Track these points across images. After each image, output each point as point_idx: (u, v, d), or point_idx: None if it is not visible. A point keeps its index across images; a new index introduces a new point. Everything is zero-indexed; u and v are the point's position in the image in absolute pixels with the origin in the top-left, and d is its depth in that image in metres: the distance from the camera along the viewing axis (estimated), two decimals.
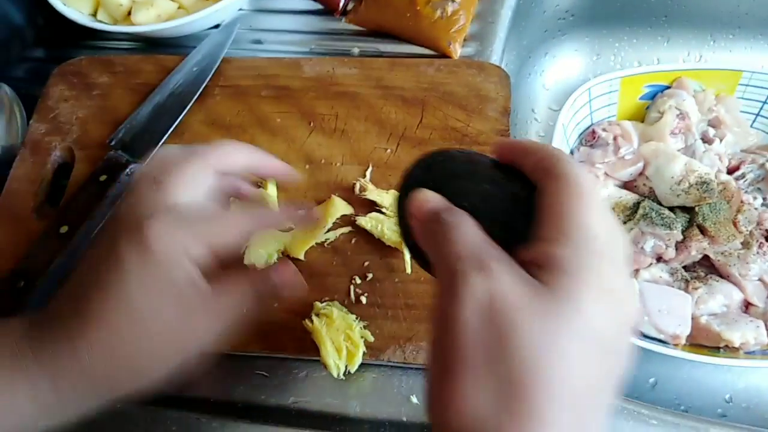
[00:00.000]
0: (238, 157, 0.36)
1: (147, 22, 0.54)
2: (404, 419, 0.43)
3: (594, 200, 0.26)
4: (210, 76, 0.53)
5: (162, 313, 0.31)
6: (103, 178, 0.48)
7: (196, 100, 0.52)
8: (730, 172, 0.60)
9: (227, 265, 0.33)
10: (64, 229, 0.46)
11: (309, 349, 0.43)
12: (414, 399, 0.43)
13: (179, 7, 0.56)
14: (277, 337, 0.44)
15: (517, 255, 0.26)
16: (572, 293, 0.24)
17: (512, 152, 0.29)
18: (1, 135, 0.55)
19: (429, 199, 0.28)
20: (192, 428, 0.43)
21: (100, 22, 0.56)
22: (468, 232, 0.27)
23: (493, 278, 0.25)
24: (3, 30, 0.56)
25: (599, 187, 0.23)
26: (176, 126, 0.51)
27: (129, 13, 0.55)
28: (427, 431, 0.41)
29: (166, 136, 0.51)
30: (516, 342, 0.24)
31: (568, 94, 0.61)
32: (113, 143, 0.50)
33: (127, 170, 0.48)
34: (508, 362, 0.24)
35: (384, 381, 0.43)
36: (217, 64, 0.54)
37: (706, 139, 0.61)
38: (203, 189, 0.34)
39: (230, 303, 0.33)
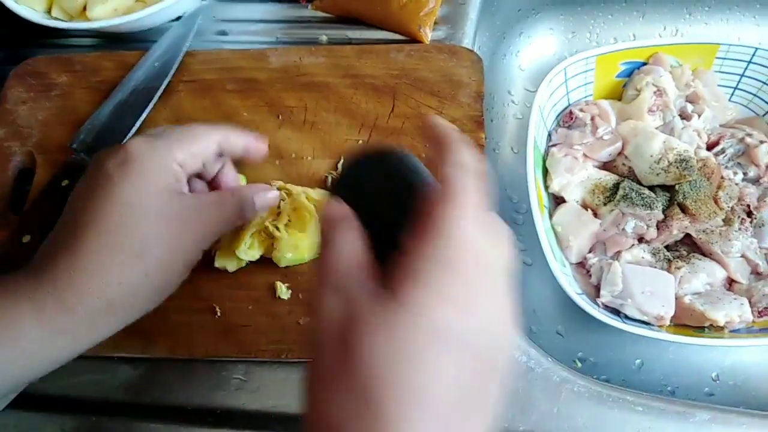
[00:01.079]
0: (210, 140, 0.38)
1: (104, 16, 0.52)
2: None
3: (460, 208, 0.26)
4: (173, 70, 0.51)
5: (152, 221, 0.34)
6: (65, 182, 0.46)
7: (159, 96, 0.51)
8: (709, 147, 0.59)
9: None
10: (26, 238, 0.44)
11: (288, 352, 0.42)
12: None
13: (137, 0, 0.53)
14: (253, 340, 0.43)
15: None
16: (413, 299, 0.24)
17: (432, 146, 0.30)
18: None
19: (331, 210, 0.29)
20: None
21: (56, 19, 0.54)
22: (340, 247, 0.28)
23: (344, 293, 0.26)
24: None
25: (475, 194, 0.24)
26: (140, 124, 0.50)
27: (84, 9, 0.53)
28: None
29: (130, 135, 0.49)
30: (361, 353, 0.24)
31: (544, 74, 0.60)
32: (75, 146, 0.48)
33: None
34: (357, 373, 0.24)
35: None
36: (180, 58, 0.52)
37: (684, 116, 0.60)
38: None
39: (213, 210, 0.37)
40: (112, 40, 0.56)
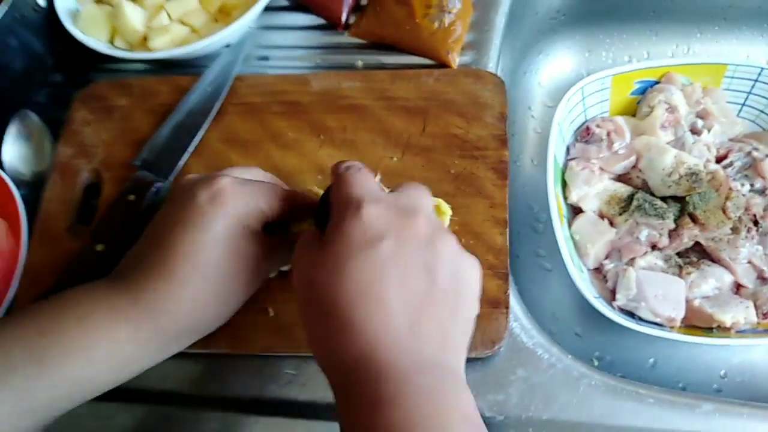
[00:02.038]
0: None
1: (162, 47, 0.57)
2: None
3: (344, 183, 0.37)
4: (224, 94, 0.56)
5: (236, 259, 0.39)
6: (131, 197, 0.51)
7: (212, 118, 0.56)
8: (718, 160, 0.63)
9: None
10: (100, 247, 0.50)
11: None
12: None
13: (192, 31, 0.59)
14: (302, 338, 0.47)
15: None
16: (334, 235, 0.35)
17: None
18: (32, 161, 0.59)
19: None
20: (230, 425, 0.47)
21: (118, 48, 0.60)
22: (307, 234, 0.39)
23: (301, 251, 0.37)
24: (25, 59, 0.59)
25: (359, 176, 0.38)
26: (196, 144, 0.55)
27: (144, 39, 0.59)
28: None
29: (187, 154, 0.54)
30: (314, 286, 0.35)
31: (562, 90, 0.64)
32: (138, 163, 0.54)
33: (153, 188, 0.52)
34: (315, 302, 0.35)
35: None
36: (230, 82, 0.57)
37: (694, 131, 0.64)
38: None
39: (281, 251, 0.43)
40: (166, 65, 0.61)
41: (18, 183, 0.56)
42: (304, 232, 0.40)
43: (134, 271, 0.39)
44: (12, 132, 0.59)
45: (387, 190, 0.40)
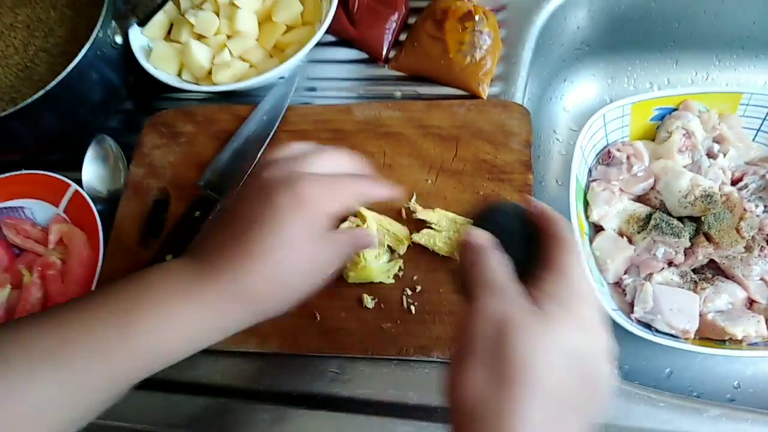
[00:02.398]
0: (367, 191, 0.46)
1: (225, 81, 0.65)
2: None
3: (577, 258, 0.37)
4: (278, 122, 0.63)
5: (306, 248, 0.41)
6: (197, 213, 0.58)
7: (267, 144, 0.62)
8: (734, 183, 0.67)
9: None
10: (169, 257, 0.57)
11: (373, 350, 0.53)
12: None
13: (251, 66, 0.66)
14: (345, 340, 0.54)
15: (525, 285, 0.36)
16: (557, 317, 0.34)
17: (535, 213, 0.40)
18: (109, 180, 0.66)
19: (479, 236, 0.39)
20: (280, 417, 0.53)
21: (186, 81, 0.67)
22: (493, 265, 0.38)
23: (502, 300, 0.36)
24: (103, 90, 0.67)
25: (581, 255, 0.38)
26: (253, 167, 0.62)
27: (209, 73, 0.66)
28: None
29: (246, 176, 0.61)
30: (511, 345, 0.33)
31: (586, 115, 0.68)
32: (203, 184, 0.61)
33: (217, 207, 0.59)
34: (503, 359, 0.33)
35: (435, 374, 0.53)
36: (283, 112, 0.64)
37: (711, 155, 0.68)
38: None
39: (344, 248, 0.44)
40: (226, 94, 0.68)
41: (95, 200, 0.64)
42: (492, 261, 0.38)
43: (214, 258, 0.41)
44: (91, 154, 0.67)
45: None
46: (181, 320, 0.40)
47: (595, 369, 0.35)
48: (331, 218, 0.42)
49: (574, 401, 0.34)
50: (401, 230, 0.56)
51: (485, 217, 0.41)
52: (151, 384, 0.56)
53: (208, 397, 0.55)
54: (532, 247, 0.38)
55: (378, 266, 0.55)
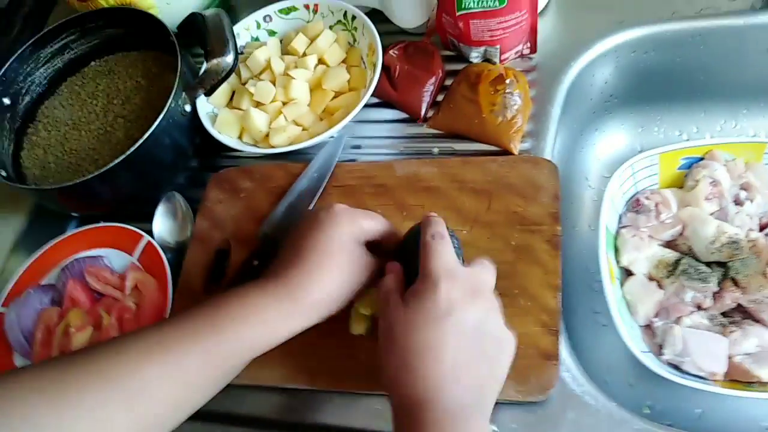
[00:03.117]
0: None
1: (281, 143, 0.72)
2: None
3: (433, 256, 0.49)
4: (327, 179, 0.70)
5: (340, 253, 0.53)
6: (255, 262, 0.65)
7: (318, 198, 0.69)
8: (761, 228, 0.69)
9: None
10: None
11: None
12: (494, 427, 0.56)
13: (303, 129, 0.73)
14: None
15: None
16: (413, 304, 0.48)
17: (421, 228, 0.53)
18: (177, 232, 0.74)
19: (389, 266, 0.55)
20: None
21: (246, 143, 0.75)
22: (387, 284, 0.52)
23: (386, 308, 0.50)
24: (173, 152, 0.75)
25: (443, 247, 0.51)
26: None
27: (266, 136, 0.74)
28: None
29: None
30: (394, 336, 0.48)
31: (617, 162, 0.72)
32: (261, 236, 0.68)
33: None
34: (394, 348, 0.47)
35: None
36: (332, 169, 0.71)
37: (738, 201, 0.70)
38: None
39: (369, 266, 0.55)
40: (280, 154, 0.73)
41: (165, 249, 0.72)
42: (387, 281, 0.52)
43: (278, 267, 0.53)
44: (161, 209, 0.75)
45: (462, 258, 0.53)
46: (260, 316, 0.50)
47: (474, 325, 0.47)
48: (363, 236, 0.55)
49: (466, 353, 0.46)
50: None
51: (405, 241, 0.55)
52: (210, 416, 0.63)
53: (261, 430, 0.61)
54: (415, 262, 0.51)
55: None
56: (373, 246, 0.57)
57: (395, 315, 0.49)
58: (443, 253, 0.50)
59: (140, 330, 0.49)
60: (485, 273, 0.51)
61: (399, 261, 0.54)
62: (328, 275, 0.52)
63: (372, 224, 0.56)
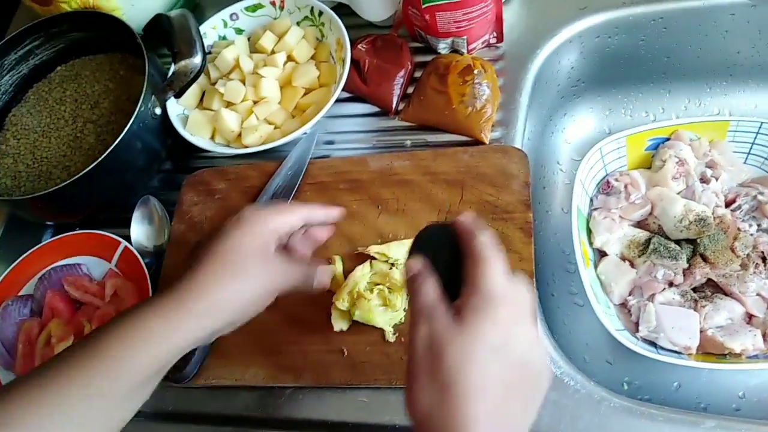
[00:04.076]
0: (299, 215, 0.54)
1: (253, 143, 0.72)
2: None
3: (492, 269, 0.42)
4: (301, 176, 0.70)
5: (244, 261, 0.49)
6: None
7: (293, 196, 0.69)
8: (727, 204, 0.71)
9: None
10: None
11: (396, 380, 0.59)
12: None
13: (275, 127, 0.73)
14: (371, 372, 0.60)
15: (455, 300, 0.43)
16: (473, 323, 0.40)
17: (461, 232, 0.45)
18: (154, 237, 0.74)
19: (413, 265, 0.46)
20: None
21: (218, 144, 0.75)
22: (423, 291, 0.44)
23: (430, 321, 0.42)
24: (146, 156, 0.74)
25: (499, 259, 0.43)
26: None
27: (239, 136, 0.74)
28: None
29: None
30: (441, 358, 0.40)
31: (587, 145, 0.73)
32: None
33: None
34: (438, 372, 0.39)
35: None
36: (305, 166, 0.71)
37: (704, 179, 0.72)
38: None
39: (288, 272, 0.52)
40: (254, 153, 0.73)
41: (143, 254, 0.72)
42: (427, 288, 0.44)
43: (184, 282, 0.49)
44: (137, 214, 0.75)
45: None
46: (144, 329, 0.47)
47: (523, 358, 0.40)
48: (273, 235, 0.51)
49: (511, 391, 0.40)
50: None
51: (422, 241, 0.47)
52: (200, 418, 0.63)
53: (247, 428, 0.62)
54: (461, 262, 0.44)
55: (380, 313, 0.61)
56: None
57: (448, 334, 0.40)
58: (500, 267, 0.43)
59: (25, 377, 0.46)
60: (528, 289, 0.44)
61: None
62: (223, 280, 0.48)
63: (285, 219, 0.52)
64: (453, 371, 0.39)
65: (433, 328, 0.41)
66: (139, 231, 0.74)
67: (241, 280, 0.49)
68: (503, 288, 0.42)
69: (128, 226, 0.74)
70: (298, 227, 0.54)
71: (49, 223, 0.82)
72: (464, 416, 0.38)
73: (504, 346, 0.40)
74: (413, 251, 0.47)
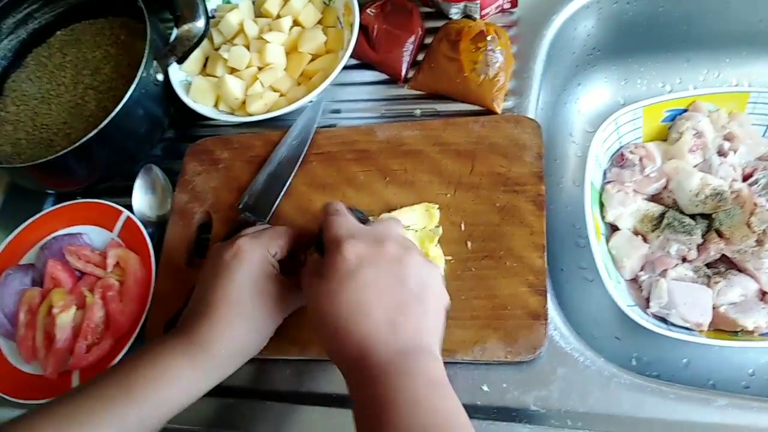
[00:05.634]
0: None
1: (258, 111, 0.70)
2: (478, 403, 0.56)
3: (331, 224, 0.50)
4: (307, 146, 0.68)
5: (257, 297, 0.52)
6: None
7: (298, 167, 0.68)
8: (745, 178, 0.69)
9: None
10: None
11: None
12: (485, 387, 0.57)
13: (281, 95, 0.71)
14: None
15: None
16: (327, 269, 0.47)
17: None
18: (157, 206, 0.73)
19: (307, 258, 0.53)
20: (330, 414, 0.59)
21: (222, 112, 0.73)
22: (307, 266, 0.51)
23: (311, 284, 0.49)
24: (148, 123, 0.73)
25: (338, 215, 0.51)
26: (286, 189, 0.67)
27: (243, 103, 0.72)
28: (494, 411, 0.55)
29: (280, 197, 0.66)
30: (319, 306, 0.47)
31: (601, 117, 0.71)
32: (241, 206, 0.66)
33: (256, 227, 0.64)
34: (324, 318, 0.46)
35: (460, 375, 0.57)
36: (311, 135, 0.69)
37: (722, 152, 0.70)
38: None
39: (293, 291, 0.54)
40: (258, 121, 0.72)
41: (146, 224, 0.71)
42: (308, 259, 0.52)
43: (188, 320, 0.53)
44: (139, 183, 0.73)
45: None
46: (174, 377, 0.50)
47: (392, 272, 0.46)
48: (273, 262, 0.55)
49: (390, 300, 0.46)
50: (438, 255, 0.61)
51: (320, 233, 0.52)
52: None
53: (250, 400, 0.61)
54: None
55: None
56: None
57: (316, 289, 0.48)
58: (340, 221, 0.50)
59: (53, 403, 0.49)
60: (387, 224, 0.51)
61: (319, 252, 0.53)
62: (240, 327, 0.52)
63: (279, 242, 0.56)
64: (329, 314, 0.46)
65: (311, 292, 0.49)
66: (142, 200, 0.73)
67: (255, 320, 0.53)
68: (345, 231, 0.48)
69: (130, 195, 0.73)
70: (294, 247, 0.58)
71: (49, 191, 0.80)
72: (359, 337, 0.45)
73: (359, 270, 0.46)
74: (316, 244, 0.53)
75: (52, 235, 0.72)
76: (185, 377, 0.50)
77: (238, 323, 0.52)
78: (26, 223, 0.74)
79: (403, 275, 0.47)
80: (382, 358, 0.44)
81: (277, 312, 0.54)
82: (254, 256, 0.53)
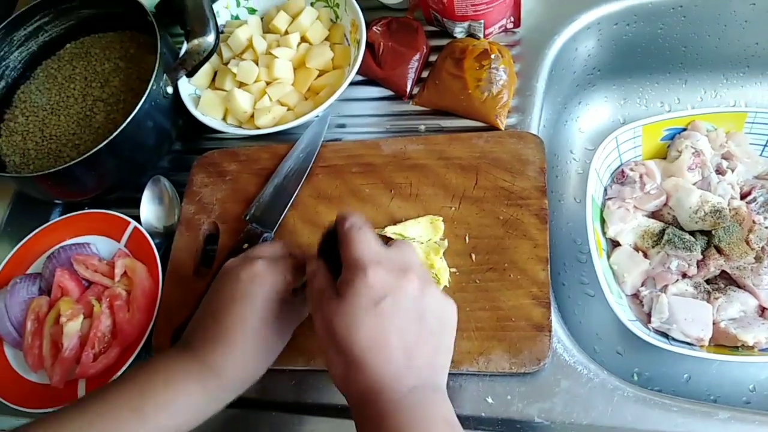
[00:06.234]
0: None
1: (266, 124, 0.71)
2: (483, 415, 0.57)
3: (354, 242, 0.47)
4: (313, 159, 0.69)
5: (273, 324, 0.52)
6: (245, 246, 0.65)
7: (305, 179, 0.69)
8: (743, 197, 0.70)
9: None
10: None
11: None
12: (489, 399, 0.57)
13: (288, 109, 0.73)
14: None
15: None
16: (348, 294, 0.45)
17: (337, 222, 0.50)
18: (165, 217, 0.74)
19: (309, 267, 0.52)
20: (337, 426, 0.59)
21: (230, 125, 0.74)
22: (316, 284, 0.49)
23: (322, 306, 0.47)
24: (156, 135, 0.74)
25: (362, 233, 0.48)
26: (292, 201, 0.68)
27: (251, 117, 0.73)
28: (498, 423, 0.56)
29: (287, 209, 0.67)
30: (335, 334, 0.44)
31: (601, 135, 0.73)
32: (248, 218, 0.67)
33: (262, 238, 0.65)
34: (338, 347, 0.44)
35: (465, 386, 0.58)
36: (318, 149, 0.70)
37: (720, 171, 0.72)
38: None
39: (303, 309, 0.56)
40: (265, 134, 0.72)
41: (153, 234, 0.71)
42: (316, 270, 0.50)
43: (200, 341, 0.53)
44: (147, 194, 0.74)
45: (380, 238, 0.52)
46: (186, 400, 0.50)
47: (412, 304, 0.45)
48: (288, 285, 0.54)
49: (410, 336, 0.45)
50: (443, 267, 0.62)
51: (323, 241, 0.52)
52: None
53: (260, 411, 0.62)
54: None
55: None
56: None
57: (332, 309, 0.45)
58: (364, 240, 0.47)
59: (61, 418, 0.48)
60: (407, 250, 0.49)
61: (322, 258, 0.52)
62: (253, 354, 0.52)
63: (296, 271, 0.55)
64: (344, 341, 0.44)
65: (323, 310, 0.46)
66: (149, 211, 0.74)
67: (267, 344, 0.53)
68: (370, 254, 0.46)
69: (138, 206, 0.74)
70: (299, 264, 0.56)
71: (57, 201, 0.81)
72: (376, 371, 0.43)
73: (383, 300, 0.44)
74: (319, 252, 0.52)
75: (60, 244, 0.73)
76: (196, 403, 0.50)
77: (252, 351, 0.52)
78: (34, 232, 0.74)
79: (423, 310, 0.46)
80: (395, 395, 0.43)
81: (288, 334, 0.55)
82: (273, 281, 0.53)
